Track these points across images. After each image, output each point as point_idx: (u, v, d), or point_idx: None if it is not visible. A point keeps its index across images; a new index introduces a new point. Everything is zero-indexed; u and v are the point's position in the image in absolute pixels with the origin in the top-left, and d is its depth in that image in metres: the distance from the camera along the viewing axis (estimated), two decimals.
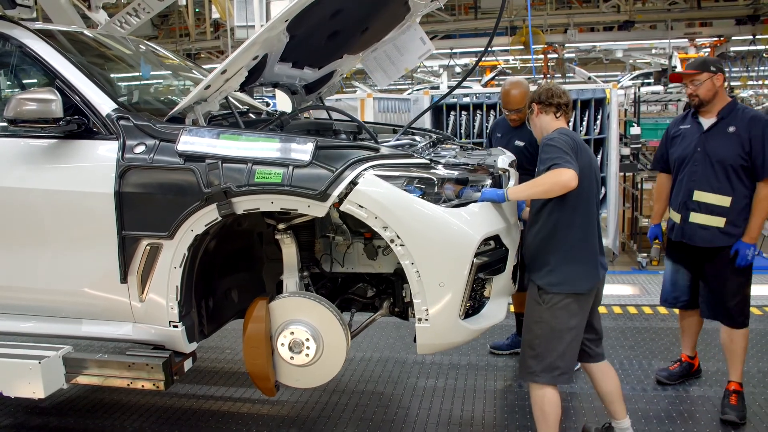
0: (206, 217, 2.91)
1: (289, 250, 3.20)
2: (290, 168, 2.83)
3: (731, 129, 3.64)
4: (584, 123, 8.46)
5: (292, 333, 3.08)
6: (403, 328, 5.10)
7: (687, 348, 4.18)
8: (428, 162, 2.98)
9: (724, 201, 3.65)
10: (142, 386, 3.07)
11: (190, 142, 2.95)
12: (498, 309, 3.21)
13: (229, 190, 2.84)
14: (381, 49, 4.21)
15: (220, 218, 2.90)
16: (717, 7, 14.86)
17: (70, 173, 3.07)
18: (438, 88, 19.05)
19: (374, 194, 2.80)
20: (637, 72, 22.89)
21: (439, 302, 2.90)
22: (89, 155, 3.08)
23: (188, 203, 2.90)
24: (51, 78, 3.18)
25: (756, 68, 15.78)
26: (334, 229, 3.35)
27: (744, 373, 4.09)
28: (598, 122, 9.10)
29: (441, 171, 3.00)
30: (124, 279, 3.03)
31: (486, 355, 4.62)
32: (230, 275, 3.50)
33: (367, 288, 3.55)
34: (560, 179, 2.88)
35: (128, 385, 3.09)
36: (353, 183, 2.80)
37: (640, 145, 9.53)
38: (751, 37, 14.88)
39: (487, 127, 9.20)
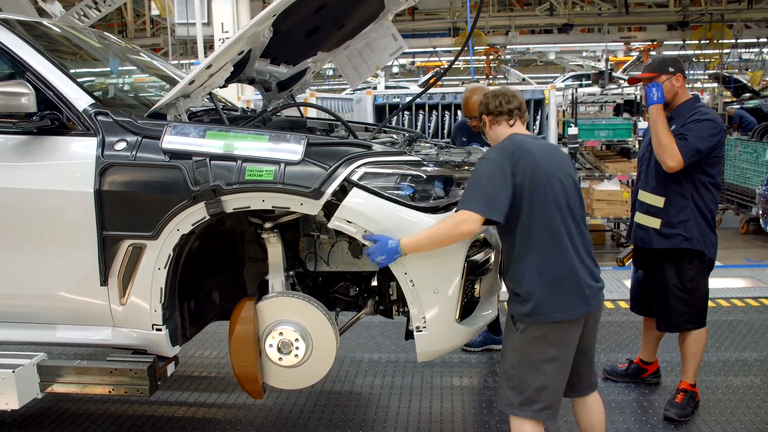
0: (193, 216, 2.82)
1: (275, 250, 3.14)
2: (282, 165, 2.78)
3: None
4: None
5: (281, 333, 3.03)
6: (373, 328, 5.08)
7: (642, 352, 4.17)
8: (419, 159, 2.97)
9: (659, 201, 3.61)
10: (125, 392, 2.96)
11: (175, 138, 2.85)
12: (489, 307, 3.25)
13: (219, 188, 2.76)
14: (353, 46, 4.18)
15: (208, 217, 2.82)
16: (650, 12, 15.50)
17: (45, 171, 2.93)
18: (376, 88, 19.11)
19: (361, 208, 2.77)
20: (570, 74, 23.58)
21: (435, 309, 2.90)
22: (65, 152, 2.95)
23: (174, 202, 2.81)
24: (20, 71, 3.02)
25: (687, 72, 16.50)
26: (318, 227, 3.32)
27: (704, 362, 4.25)
28: (537, 123, 9.35)
29: (431, 168, 3.00)
30: (104, 281, 2.91)
31: (458, 353, 4.65)
32: (211, 276, 3.40)
33: (350, 287, 3.52)
34: (457, 231, 2.67)
35: (110, 392, 2.98)
36: (347, 182, 2.77)
37: (577, 145, 9.85)
38: (681, 42, 15.61)
39: (429, 126, 9.34)
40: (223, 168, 2.79)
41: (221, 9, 10.95)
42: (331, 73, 22.10)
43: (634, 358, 4.24)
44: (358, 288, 3.52)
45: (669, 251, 3.63)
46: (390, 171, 2.86)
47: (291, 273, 3.24)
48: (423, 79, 20.12)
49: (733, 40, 15.08)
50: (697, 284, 3.68)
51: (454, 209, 2.75)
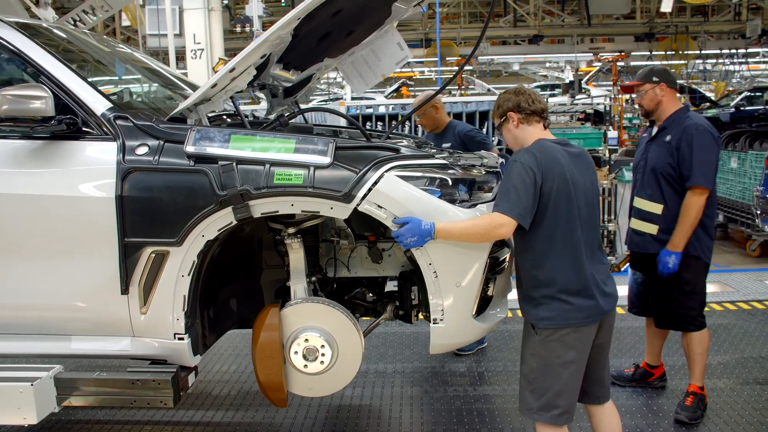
0: (220, 221, 2.77)
1: (297, 255, 3.10)
2: (311, 169, 2.75)
3: (668, 138, 3.70)
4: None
5: (307, 340, 2.98)
6: (375, 338, 5.03)
7: (648, 356, 4.22)
8: (446, 162, 2.97)
9: (656, 208, 3.72)
10: (148, 404, 2.88)
11: (200, 142, 2.80)
12: (501, 307, 3.25)
13: (247, 193, 2.71)
14: (358, 53, 4.17)
15: (234, 222, 2.77)
16: (618, 24, 15.87)
17: (63, 177, 2.84)
18: (342, 98, 19.22)
19: (394, 194, 2.75)
20: (533, 85, 23.98)
21: (455, 302, 2.89)
22: (84, 157, 2.86)
23: (200, 207, 2.75)
24: (34, 75, 2.93)
25: None
26: (337, 233, 3.29)
27: (706, 365, 4.29)
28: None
29: (457, 171, 3.00)
30: (125, 290, 2.83)
31: (465, 362, 4.62)
32: (229, 283, 3.34)
33: (366, 292, 3.49)
34: (493, 232, 2.68)
35: (132, 403, 2.88)
36: (376, 184, 2.75)
37: None
38: (648, 53, 16.02)
39: None
40: (251, 172, 2.75)
41: (193, 20, 10.84)
42: None
43: (640, 363, 4.28)
44: (372, 293, 3.50)
45: None
46: (419, 174, 2.85)
47: (313, 279, 3.20)
48: (390, 89, 20.23)
49: (698, 51, 15.58)
50: (694, 287, 3.76)
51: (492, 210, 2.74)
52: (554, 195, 2.68)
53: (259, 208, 2.77)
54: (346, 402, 4.09)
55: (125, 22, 13.74)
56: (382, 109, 10.46)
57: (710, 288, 6.24)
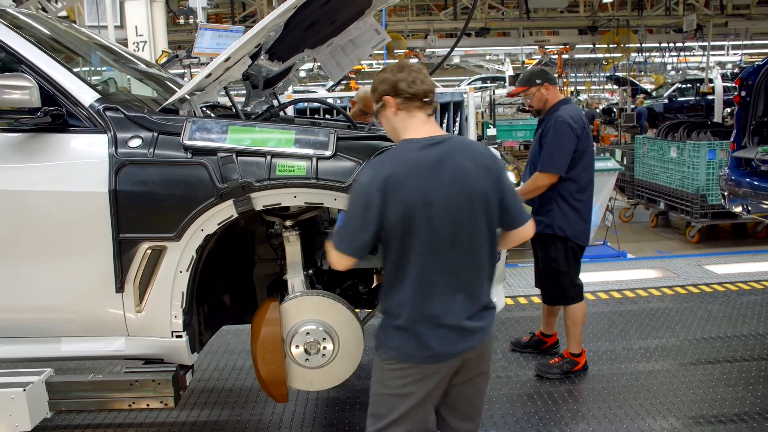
0: (220, 214, 2.70)
1: (294, 248, 3.05)
2: (314, 160, 2.70)
3: (540, 130, 4.03)
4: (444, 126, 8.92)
5: (308, 334, 2.94)
6: None
7: (543, 327, 4.55)
8: None
9: None
10: (147, 405, 2.79)
11: (197, 134, 2.72)
12: (498, 296, 3.28)
13: (249, 185, 2.65)
14: (336, 43, 4.13)
15: (236, 215, 2.70)
16: (562, 17, 16.21)
17: (52, 171, 2.71)
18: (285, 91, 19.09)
19: None
20: (474, 77, 24.32)
21: None
22: (72, 151, 2.74)
23: (199, 200, 2.67)
24: (13, 64, 2.78)
25: (597, 74, 17.47)
26: (331, 224, 3.26)
27: (610, 351, 4.49)
28: (457, 125, 9.59)
29: None
30: (120, 288, 2.72)
31: None
32: (223, 278, 3.26)
33: (358, 284, 3.47)
34: (330, 261, 2.35)
35: (130, 405, 2.79)
36: None
37: (496, 145, 10.21)
38: (591, 45, 16.44)
39: None
40: (252, 164, 2.68)
41: (135, 11, 10.48)
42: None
43: (536, 332, 4.61)
44: (363, 285, 3.48)
45: (538, 235, 3.97)
46: None
47: (309, 272, 3.16)
48: (331, 83, 20.15)
49: (638, 45, 16.11)
50: (559, 265, 4.05)
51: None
52: (399, 222, 2.17)
53: (261, 200, 2.71)
54: (333, 395, 4.05)
55: (61, 12, 13.19)
56: (330, 101, 10.40)
57: (653, 274, 6.52)
